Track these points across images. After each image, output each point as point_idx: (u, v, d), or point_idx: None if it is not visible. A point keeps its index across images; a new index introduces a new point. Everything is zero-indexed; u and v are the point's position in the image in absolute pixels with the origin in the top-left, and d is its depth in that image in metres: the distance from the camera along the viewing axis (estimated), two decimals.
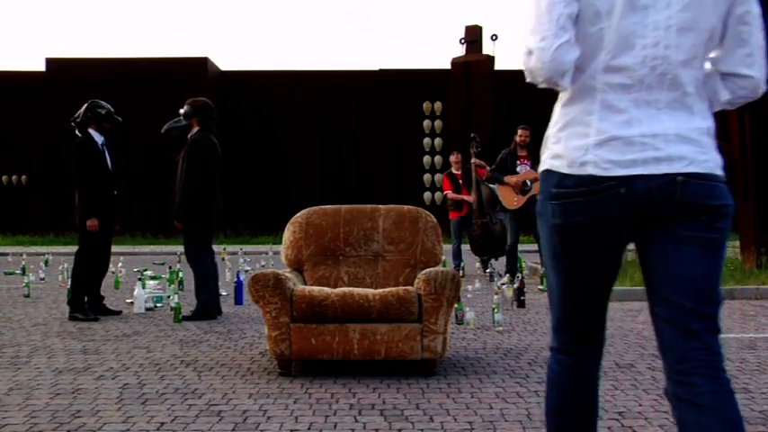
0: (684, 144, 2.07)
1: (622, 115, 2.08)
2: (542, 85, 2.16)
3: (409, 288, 4.97)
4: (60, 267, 11.11)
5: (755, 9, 2.13)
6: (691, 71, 2.10)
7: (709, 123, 2.14)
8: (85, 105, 7.71)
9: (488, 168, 10.81)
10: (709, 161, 2.09)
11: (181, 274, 9.78)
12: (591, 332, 2.31)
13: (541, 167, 2.25)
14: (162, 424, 3.85)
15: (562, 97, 2.21)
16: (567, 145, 2.13)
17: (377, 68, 24.08)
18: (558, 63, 2.07)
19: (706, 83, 2.17)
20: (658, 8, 2.06)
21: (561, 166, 2.14)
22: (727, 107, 2.24)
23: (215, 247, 8.06)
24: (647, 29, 2.06)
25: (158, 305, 8.24)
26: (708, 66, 2.18)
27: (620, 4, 2.05)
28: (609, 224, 2.12)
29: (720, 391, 2.05)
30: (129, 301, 8.55)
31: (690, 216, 2.08)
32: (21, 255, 14.85)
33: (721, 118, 11.78)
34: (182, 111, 7.63)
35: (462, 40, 22.64)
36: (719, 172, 2.11)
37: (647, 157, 2.06)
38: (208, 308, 7.39)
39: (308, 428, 3.77)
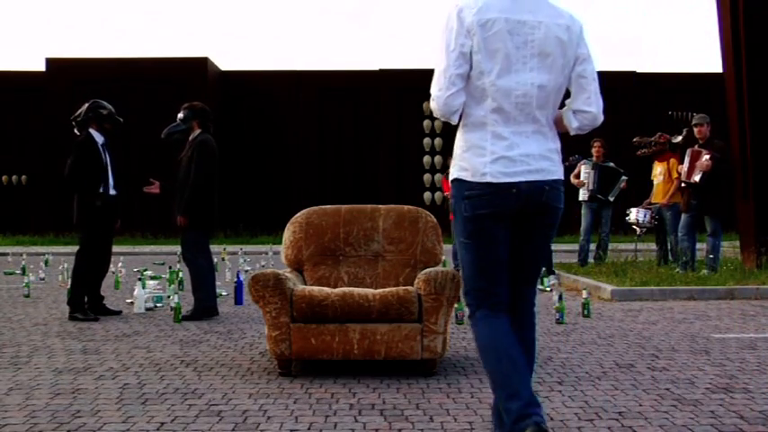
0: (544, 161, 3.07)
1: (506, 141, 3.03)
2: (441, 119, 3.11)
3: (409, 288, 4.97)
4: (60, 267, 11.10)
5: (590, 67, 3.13)
6: (544, 111, 3.08)
7: (557, 145, 3.16)
8: (87, 105, 7.71)
9: None
10: (557, 171, 3.12)
11: (181, 274, 9.79)
12: (498, 290, 3.15)
13: (451, 177, 3.14)
14: (162, 424, 3.85)
15: (463, 129, 3.13)
16: (471, 162, 3.06)
17: (377, 68, 24.07)
18: (449, 106, 3.04)
19: (564, 116, 3.17)
20: (525, 71, 3.02)
21: (467, 176, 3.06)
22: (579, 132, 3.20)
23: (216, 247, 8.07)
24: (518, 85, 3.02)
25: (158, 305, 8.24)
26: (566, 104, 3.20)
27: (498, 68, 2.99)
28: (504, 214, 3.07)
29: (505, 317, 3.13)
30: (129, 301, 8.55)
31: (544, 213, 3.12)
32: (21, 255, 14.85)
33: (721, 118, 11.79)
34: (180, 115, 7.67)
35: None
36: (562, 177, 3.16)
37: (524, 169, 3.03)
38: (206, 305, 7.40)
39: (308, 428, 3.77)
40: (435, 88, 3.05)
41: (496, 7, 3.00)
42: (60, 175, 7.85)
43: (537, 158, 3.05)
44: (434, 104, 3.06)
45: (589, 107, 3.13)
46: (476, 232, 3.08)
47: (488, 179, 3.02)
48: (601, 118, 3.15)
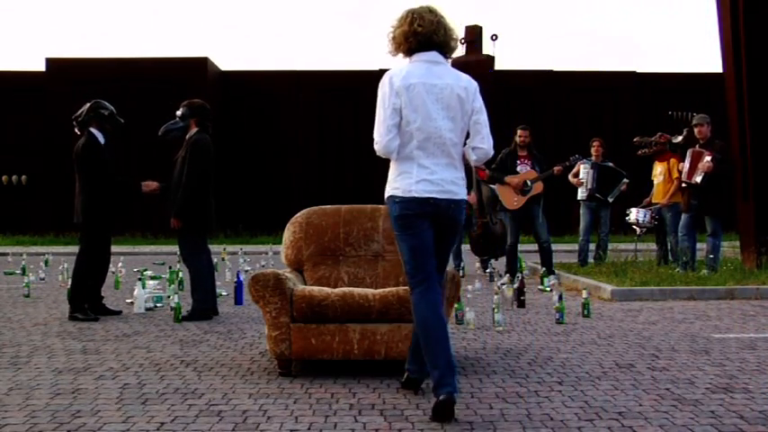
0: (453, 185, 4.17)
1: (428, 170, 4.12)
2: (383, 157, 4.16)
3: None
4: (60, 267, 11.11)
5: (483, 117, 4.25)
6: (456, 148, 4.20)
7: (463, 174, 4.25)
8: (89, 105, 7.70)
9: (488, 171, 10.81)
10: (461, 194, 4.21)
11: (181, 275, 9.79)
12: (428, 273, 4.14)
13: (386, 195, 4.19)
14: (162, 424, 3.86)
15: (396, 161, 4.17)
16: (402, 183, 4.13)
17: (377, 68, 24.05)
18: (388, 147, 4.12)
19: (466, 152, 4.27)
20: (439, 120, 4.12)
21: (399, 193, 4.13)
22: (476, 163, 4.40)
23: (216, 248, 8.06)
24: (435, 129, 4.12)
25: (158, 305, 8.24)
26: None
27: (420, 119, 4.09)
28: (423, 215, 4.11)
29: (436, 291, 4.17)
30: (129, 301, 8.55)
31: (449, 223, 4.20)
32: (21, 255, 14.85)
33: (721, 118, 11.78)
34: (178, 112, 7.64)
35: (462, 41, 22.61)
36: (465, 197, 4.25)
37: (439, 189, 4.12)
38: (204, 306, 7.39)
39: (308, 428, 3.77)
40: (377, 135, 4.12)
41: (416, 74, 4.14)
42: (61, 176, 7.82)
43: (448, 183, 4.15)
44: (377, 146, 4.14)
45: (482, 145, 4.26)
46: (404, 226, 4.14)
47: (414, 194, 4.10)
48: (491, 152, 4.31)
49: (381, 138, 4.10)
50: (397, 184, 4.15)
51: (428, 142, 4.11)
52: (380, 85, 4.16)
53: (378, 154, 4.17)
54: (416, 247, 4.13)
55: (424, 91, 4.10)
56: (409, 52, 4.23)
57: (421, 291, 4.11)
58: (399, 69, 4.18)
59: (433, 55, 4.21)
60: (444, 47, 4.25)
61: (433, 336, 4.01)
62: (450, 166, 4.18)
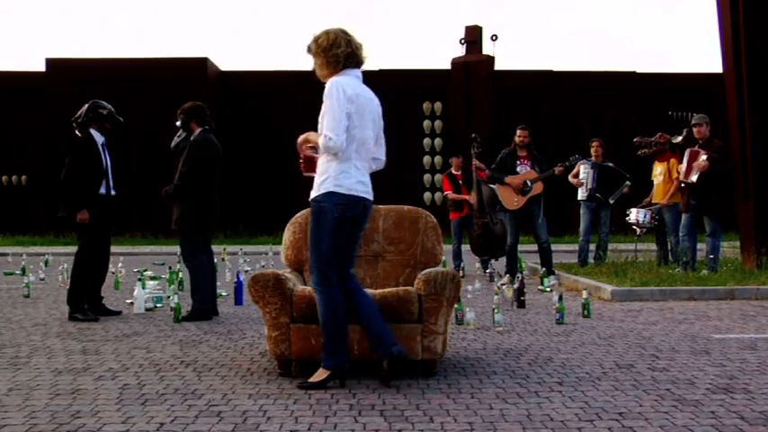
0: (371, 186, 4.75)
1: (360, 171, 4.70)
2: (332, 153, 4.59)
3: (409, 288, 4.97)
4: (60, 267, 11.10)
5: (382, 132, 4.89)
6: (371, 156, 4.82)
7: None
8: (87, 105, 7.72)
9: (488, 171, 10.81)
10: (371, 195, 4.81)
11: (181, 275, 9.79)
12: (339, 263, 4.67)
13: (327, 189, 4.61)
14: (162, 424, 3.85)
15: (336, 159, 4.62)
16: (343, 182, 4.62)
17: (377, 68, 24.05)
18: (343, 145, 4.58)
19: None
20: (368, 129, 4.73)
21: (341, 190, 4.61)
22: (375, 170, 4.91)
23: (216, 248, 8.06)
24: (367, 137, 4.73)
25: (158, 305, 8.24)
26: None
27: (361, 124, 4.65)
28: (355, 216, 4.69)
29: (357, 284, 4.81)
30: (129, 301, 8.54)
31: (366, 219, 4.83)
32: (21, 255, 14.85)
33: (721, 118, 11.78)
34: (178, 123, 7.70)
35: (462, 40, 22.62)
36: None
37: (367, 190, 4.73)
38: (204, 307, 7.39)
39: (308, 429, 3.77)
40: (335, 133, 4.54)
41: (356, 86, 4.70)
42: (59, 176, 7.86)
43: (370, 185, 4.76)
44: (332, 143, 4.54)
45: (382, 156, 4.94)
46: (338, 227, 4.62)
47: (354, 193, 4.63)
48: (384, 163, 5.00)
49: (339, 136, 4.54)
50: (338, 182, 4.61)
51: (362, 147, 4.69)
52: (333, 90, 4.58)
53: (329, 150, 4.56)
54: (341, 247, 4.66)
55: (363, 102, 4.68)
56: (341, 69, 4.70)
57: (328, 288, 4.60)
58: (344, 80, 4.66)
59: (359, 72, 4.80)
60: (362, 65, 4.83)
61: (339, 328, 4.63)
62: (369, 170, 4.81)
